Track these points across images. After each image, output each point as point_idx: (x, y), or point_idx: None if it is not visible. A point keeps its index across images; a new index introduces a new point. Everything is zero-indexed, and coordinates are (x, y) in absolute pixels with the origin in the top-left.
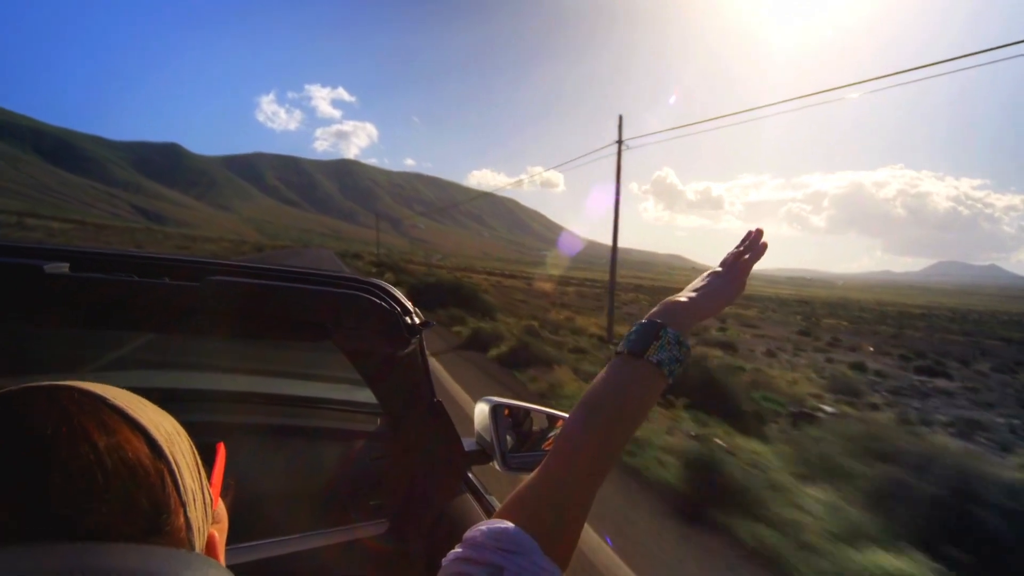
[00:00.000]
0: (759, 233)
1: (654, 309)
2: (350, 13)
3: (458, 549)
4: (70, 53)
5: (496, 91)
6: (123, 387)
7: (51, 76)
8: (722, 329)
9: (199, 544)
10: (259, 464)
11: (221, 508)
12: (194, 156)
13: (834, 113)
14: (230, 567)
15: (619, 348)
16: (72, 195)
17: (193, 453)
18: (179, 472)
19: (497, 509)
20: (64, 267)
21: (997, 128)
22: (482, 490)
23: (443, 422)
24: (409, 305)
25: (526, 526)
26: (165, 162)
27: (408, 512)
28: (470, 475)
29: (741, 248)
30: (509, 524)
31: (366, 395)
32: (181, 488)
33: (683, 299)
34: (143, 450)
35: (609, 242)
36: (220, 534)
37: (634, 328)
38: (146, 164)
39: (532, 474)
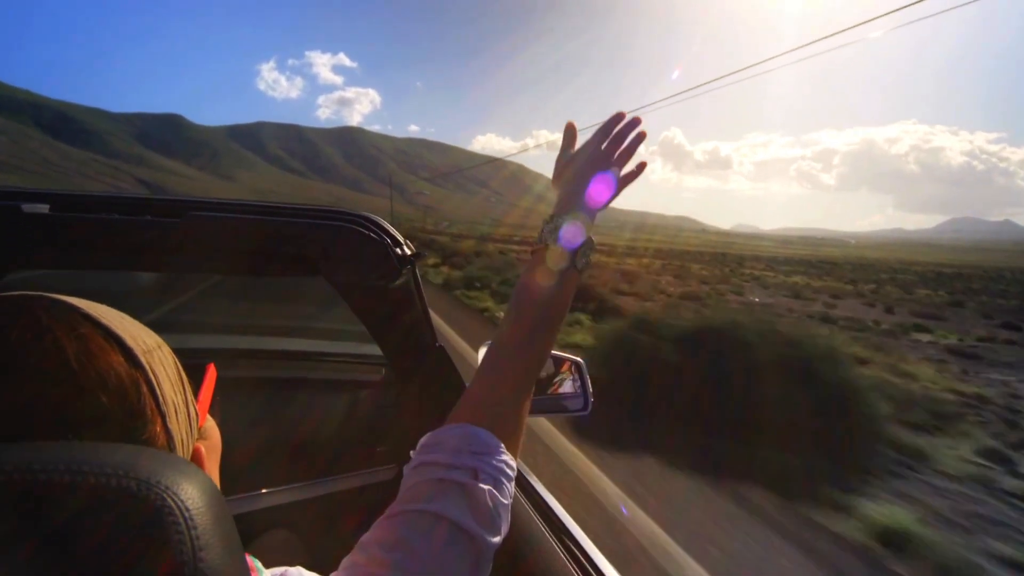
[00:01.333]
0: (638, 121)
1: (562, 203)
2: None
3: (431, 455)
4: (68, 25)
5: (500, 54)
6: None
7: (49, 49)
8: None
9: (183, 456)
10: (269, 415)
11: (211, 427)
12: (196, 127)
13: (844, 68)
14: (241, 516)
15: (545, 241)
16: (74, 168)
17: (177, 368)
18: (157, 382)
19: (451, 414)
20: (44, 208)
21: (1013, 80)
22: None
23: (446, 367)
24: (399, 236)
25: (485, 427)
26: (167, 133)
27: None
28: None
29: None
30: (476, 427)
31: (371, 348)
32: (160, 398)
33: (581, 193)
34: (116, 359)
35: (622, 205)
36: (208, 451)
37: (556, 224)
38: (148, 136)
39: (475, 378)
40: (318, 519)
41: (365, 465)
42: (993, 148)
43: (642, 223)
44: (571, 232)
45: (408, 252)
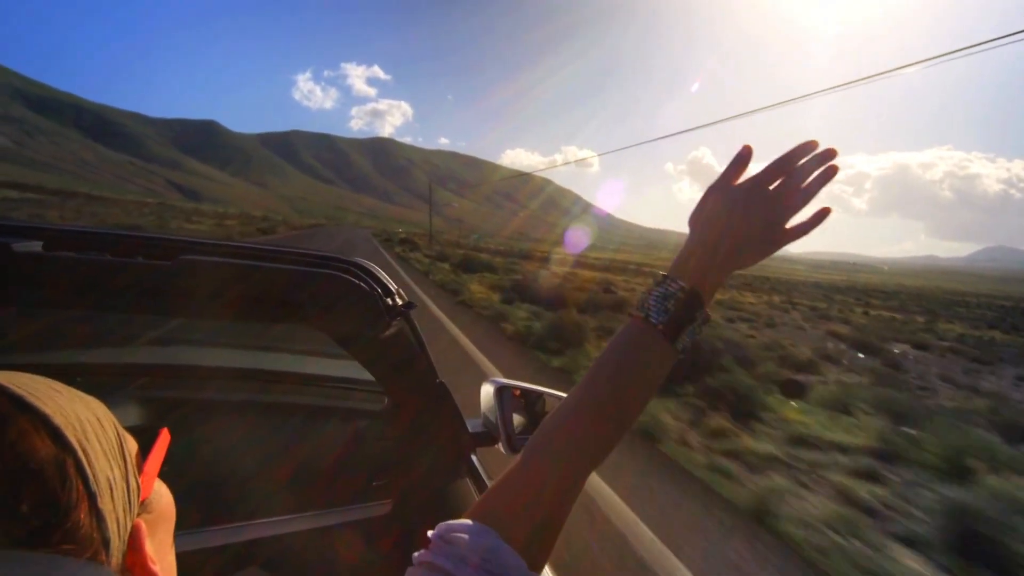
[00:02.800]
0: (832, 154)
1: (686, 260)
2: None
3: (439, 557)
4: (112, 31)
5: (530, 70)
6: (124, 363)
7: (95, 54)
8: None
9: (117, 535)
10: (263, 443)
11: (159, 496)
12: (231, 134)
13: (879, 93)
14: (221, 548)
15: (650, 317)
16: (110, 170)
17: (119, 438)
18: (88, 461)
19: (478, 500)
20: (36, 246)
21: None
22: (483, 475)
23: (446, 403)
24: (391, 285)
25: (509, 534)
26: (202, 139)
27: (412, 494)
28: (473, 458)
29: (781, 165)
30: (501, 541)
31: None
32: (90, 478)
33: (720, 249)
34: (41, 442)
35: (640, 222)
36: (154, 523)
37: (667, 291)
38: (184, 141)
39: (524, 457)
40: (305, 555)
41: (359, 499)
42: None
43: (674, 243)
44: (684, 305)
45: (399, 302)
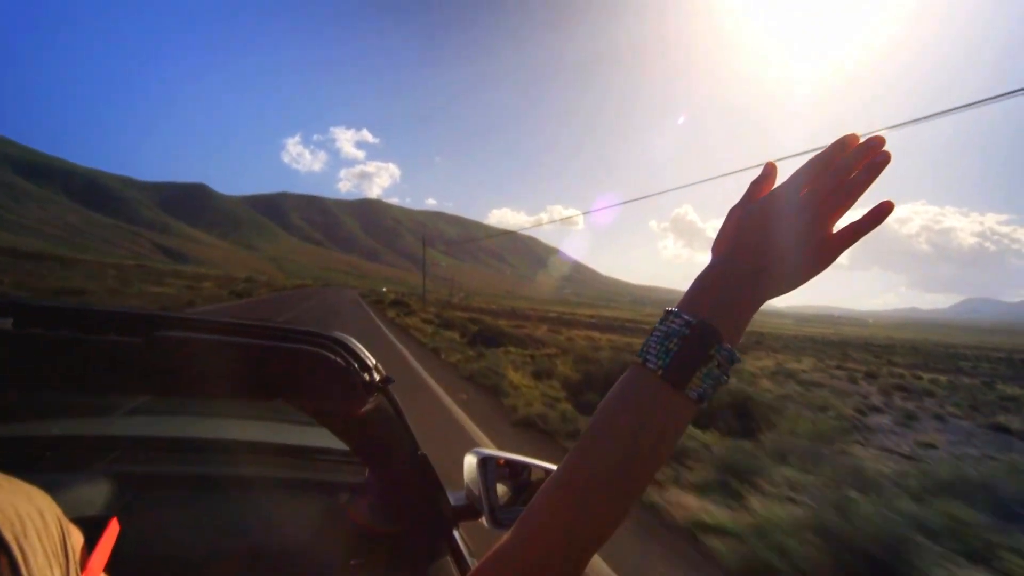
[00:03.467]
0: (880, 142)
1: (699, 292)
2: (376, 56)
3: None
4: (104, 97)
5: (516, 131)
6: (97, 436)
7: (86, 120)
8: None
9: None
10: (237, 520)
11: None
12: (220, 196)
13: None
14: None
15: (648, 362)
16: (96, 234)
17: (62, 534)
18: (24, 559)
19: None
20: (7, 322)
21: (1020, 161)
22: (465, 552)
23: (428, 476)
24: (369, 359)
25: None
26: (191, 202)
27: (392, 573)
28: (456, 533)
29: (830, 161)
30: None
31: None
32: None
33: (741, 273)
34: None
35: (632, 280)
36: None
37: (669, 328)
38: (173, 204)
39: (504, 544)
40: None
41: None
42: (1004, 229)
43: (661, 300)
44: (692, 343)
45: (377, 377)
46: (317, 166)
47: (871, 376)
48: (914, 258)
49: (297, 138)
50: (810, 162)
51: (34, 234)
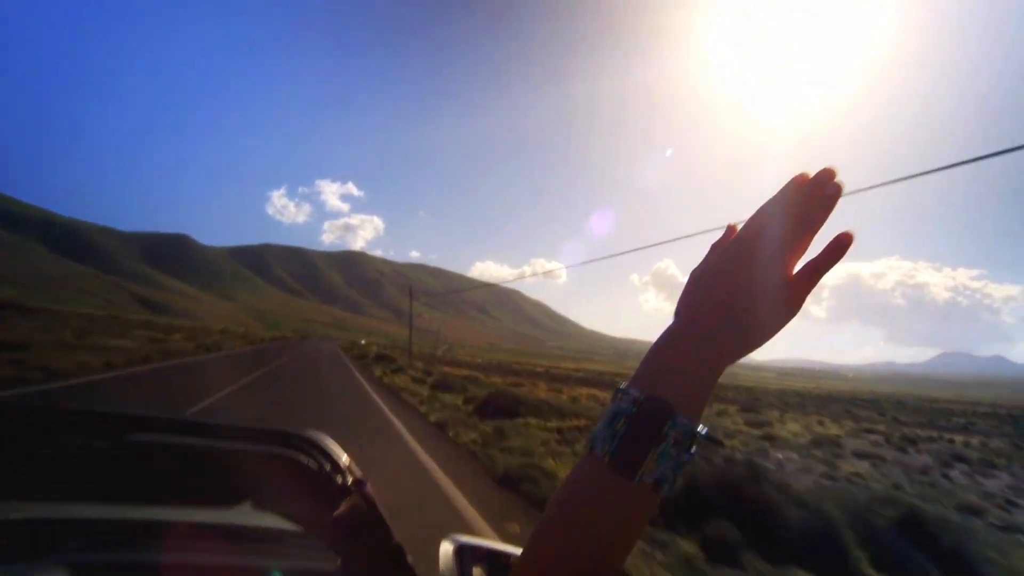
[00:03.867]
0: (829, 176)
1: (651, 362)
2: (365, 111)
3: None
4: (85, 145)
5: (500, 185)
6: (59, 519)
7: (66, 168)
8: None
9: None
10: None
11: None
12: (202, 247)
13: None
14: None
15: (595, 449)
16: (73, 284)
17: None
18: None
19: None
20: None
21: (990, 218)
22: None
23: (402, 566)
24: (342, 459)
25: None
26: (173, 253)
27: None
28: None
29: (787, 196)
30: None
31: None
32: None
33: (698, 336)
34: None
35: (612, 332)
36: None
37: (618, 407)
38: (153, 254)
39: None
40: None
41: None
42: (976, 284)
43: (642, 352)
44: (640, 423)
45: (350, 480)
46: (301, 218)
47: (910, 441)
48: (890, 312)
49: (283, 190)
50: (763, 207)
51: (8, 284)
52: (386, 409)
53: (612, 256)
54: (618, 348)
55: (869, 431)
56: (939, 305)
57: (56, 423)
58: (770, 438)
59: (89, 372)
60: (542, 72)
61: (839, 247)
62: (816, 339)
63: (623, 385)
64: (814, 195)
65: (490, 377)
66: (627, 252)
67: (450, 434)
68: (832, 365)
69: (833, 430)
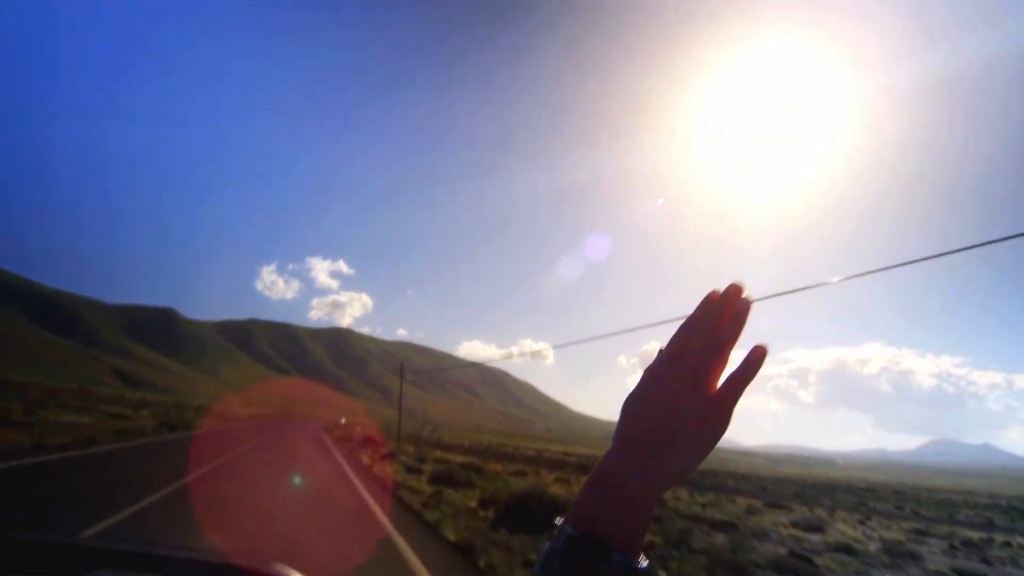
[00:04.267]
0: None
1: (584, 497)
2: (360, 190)
3: None
4: (73, 216)
5: (489, 265)
6: None
7: (53, 239)
8: None
9: None
10: None
11: None
12: (188, 321)
13: (813, 292)
14: None
15: None
16: (51, 357)
17: None
18: None
19: None
20: None
21: (972, 305)
22: None
23: None
24: None
25: None
26: (157, 326)
27: None
28: None
29: (702, 315)
30: None
31: None
32: None
33: (629, 466)
34: None
35: (603, 416)
36: None
37: (553, 547)
38: (137, 328)
39: None
40: None
41: None
42: (960, 372)
43: None
44: (572, 563)
45: None
46: (290, 294)
47: (973, 546)
48: (878, 398)
49: (273, 266)
50: (679, 329)
51: None
52: (386, 521)
53: (596, 338)
54: (606, 431)
55: (925, 533)
56: (925, 392)
57: (35, 555)
58: (847, 550)
59: (4, 456)
60: (530, 154)
61: (755, 359)
62: (805, 425)
63: (559, 520)
64: (727, 311)
65: (488, 463)
66: (610, 335)
67: (479, 560)
68: (823, 451)
69: (893, 534)
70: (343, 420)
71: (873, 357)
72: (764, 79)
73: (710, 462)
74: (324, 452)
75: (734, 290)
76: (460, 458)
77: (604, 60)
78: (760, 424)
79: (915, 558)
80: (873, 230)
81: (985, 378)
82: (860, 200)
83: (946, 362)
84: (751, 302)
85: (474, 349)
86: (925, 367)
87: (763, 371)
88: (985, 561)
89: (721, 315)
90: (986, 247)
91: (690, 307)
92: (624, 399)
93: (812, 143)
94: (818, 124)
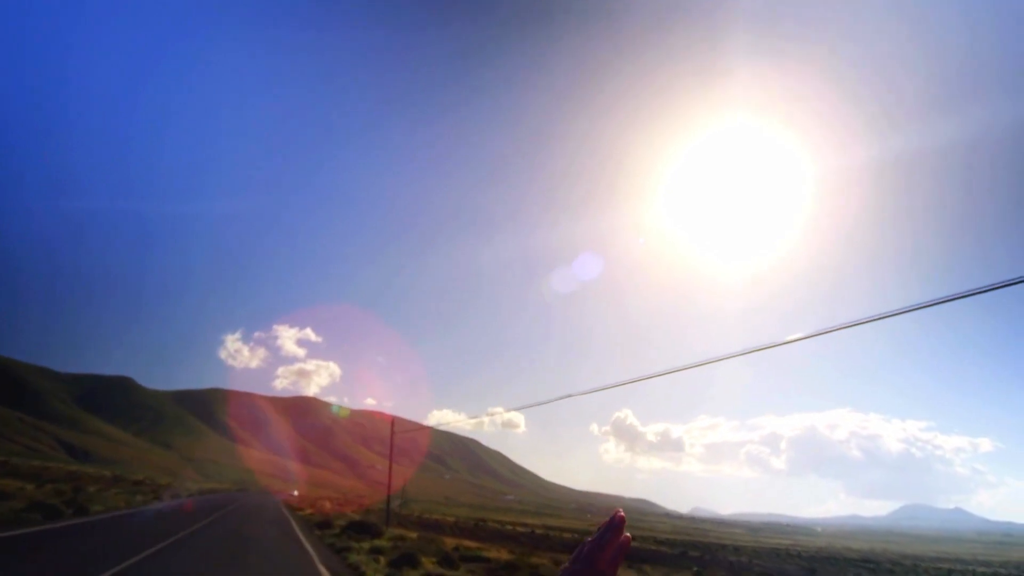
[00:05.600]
0: (620, 520)
1: None
2: (327, 255)
3: None
4: (26, 285)
5: (460, 334)
6: None
7: (4, 304)
8: None
9: None
10: None
11: None
12: (145, 391)
13: (778, 355)
14: None
15: None
16: None
17: None
18: None
19: None
20: None
21: (935, 371)
22: None
23: None
24: None
25: None
26: (112, 396)
27: None
28: None
29: (598, 539)
30: None
31: None
32: None
33: None
34: None
35: (575, 486)
36: None
37: None
38: (90, 398)
39: None
40: None
41: None
42: (926, 436)
43: (601, 505)
44: None
45: None
46: (255, 363)
47: None
48: (847, 464)
49: (238, 334)
50: (596, 539)
51: None
52: None
53: (564, 398)
54: (579, 502)
55: None
56: (894, 456)
57: None
58: None
59: None
60: (500, 220)
61: (618, 522)
62: (779, 492)
63: None
64: (618, 535)
65: (489, 549)
66: (575, 395)
67: None
68: (799, 519)
69: None
70: (295, 492)
71: (841, 422)
72: (730, 155)
73: (694, 534)
74: (287, 539)
75: (618, 519)
76: (451, 539)
77: (567, 132)
78: (735, 492)
79: None
80: (842, 293)
81: (951, 442)
82: (824, 270)
83: (912, 426)
84: (630, 540)
85: (444, 417)
86: (892, 431)
87: (735, 437)
88: None
89: (615, 536)
90: (944, 308)
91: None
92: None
93: (780, 211)
94: (788, 193)
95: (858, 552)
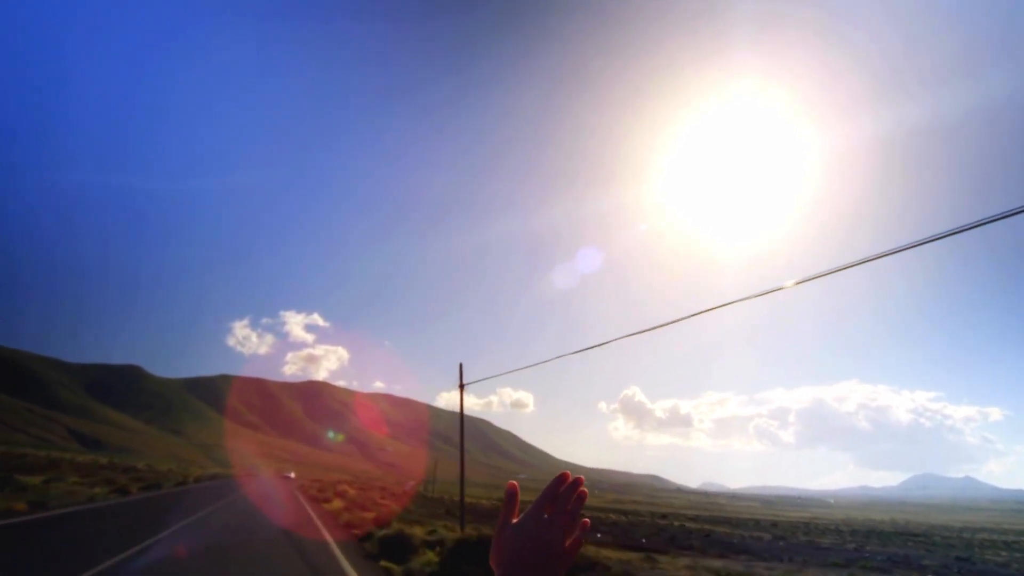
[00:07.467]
0: (580, 481)
1: None
2: (334, 242)
3: None
4: (34, 277)
5: (467, 316)
6: None
7: (10, 298)
8: None
9: None
10: None
11: None
12: (154, 379)
13: (784, 325)
14: None
15: None
16: (2, 418)
17: None
18: None
19: None
20: None
21: (943, 340)
22: None
23: None
24: None
25: None
26: (121, 385)
27: None
28: None
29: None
30: None
31: None
32: None
33: None
34: None
35: (586, 463)
36: None
37: None
38: (100, 387)
39: None
40: None
41: None
42: (935, 406)
43: (614, 482)
44: None
45: None
46: (263, 349)
47: None
48: (856, 436)
49: (246, 321)
50: (543, 493)
51: None
52: None
53: (556, 359)
54: (590, 479)
55: None
56: (903, 427)
57: None
58: None
59: None
60: (506, 202)
61: (585, 530)
62: (788, 465)
63: None
64: (574, 493)
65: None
66: (576, 353)
67: None
68: (809, 491)
69: None
70: (292, 474)
71: (849, 394)
72: (735, 128)
73: (710, 508)
74: (297, 542)
75: (578, 480)
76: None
77: (576, 110)
78: (744, 466)
79: None
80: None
81: (960, 412)
82: (825, 236)
83: (921, 397)
84: (587, 493)
85: (453, 399)
86: (901, 403)
87: (743, 411)
88: None
89: (571, 494)
90: (953, 280)
91: (668, 343)
92: (496, 528)
93: (783, 181)
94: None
95: (890, 524)
